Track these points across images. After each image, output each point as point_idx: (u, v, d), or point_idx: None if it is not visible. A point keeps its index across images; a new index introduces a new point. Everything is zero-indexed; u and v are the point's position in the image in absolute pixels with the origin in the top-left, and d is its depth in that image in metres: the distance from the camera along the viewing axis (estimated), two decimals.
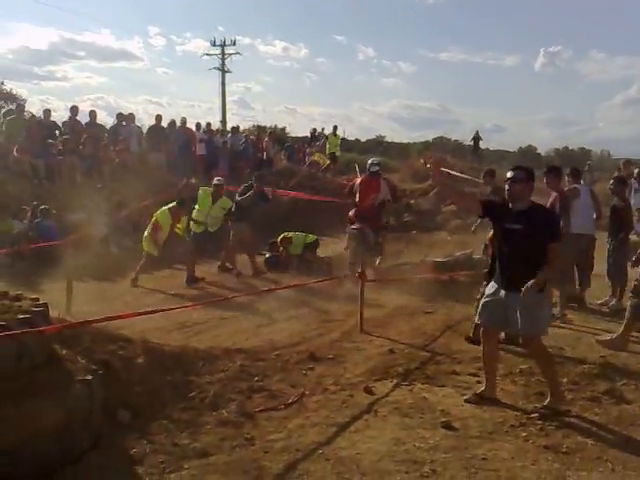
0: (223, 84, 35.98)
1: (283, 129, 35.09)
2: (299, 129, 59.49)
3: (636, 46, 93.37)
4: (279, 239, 10.18)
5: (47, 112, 13.54)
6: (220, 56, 35.73)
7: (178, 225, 8.98)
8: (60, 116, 15.18)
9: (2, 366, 3.10)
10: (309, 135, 21.62)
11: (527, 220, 4.05)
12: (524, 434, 3.79)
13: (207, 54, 36.06)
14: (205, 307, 6.92)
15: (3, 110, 18.97)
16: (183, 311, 6.31)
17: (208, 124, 16.99)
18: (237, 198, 9.50)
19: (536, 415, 4.03)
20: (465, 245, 9.55)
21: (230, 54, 35.86)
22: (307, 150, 19.86)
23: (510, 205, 4.16)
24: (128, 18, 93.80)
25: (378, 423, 3.98)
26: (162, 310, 5.04)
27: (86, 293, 7.46)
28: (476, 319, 4.65)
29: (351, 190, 9.30)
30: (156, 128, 14.94)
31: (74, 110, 13.70)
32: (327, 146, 19.10)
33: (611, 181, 7.52)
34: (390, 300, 7.70)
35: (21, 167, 11.64)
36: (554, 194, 6.63)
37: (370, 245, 8.85)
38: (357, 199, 9.06)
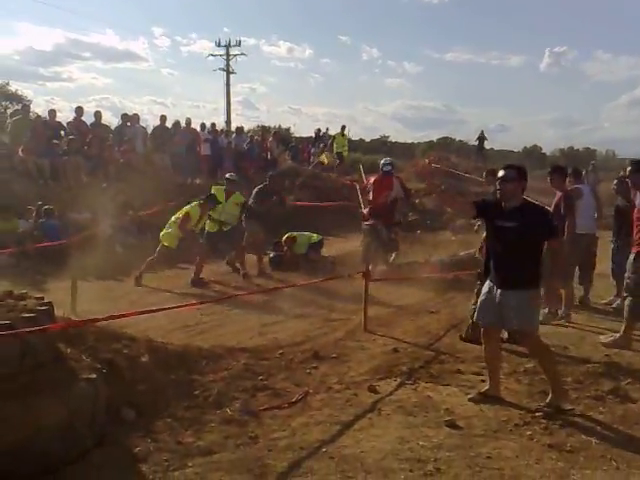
0: (228, 85, 36.07)
1: (287, 129, 35.09)
2: (303, 129, 59.54)
3: None
4: (283, 238, 10.21)
5: (52, 113, 13.58)
6: (225, 57, 35.87)
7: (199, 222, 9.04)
8: (65, 117, 15.31)
9: (6, 364, 3.12)
10: (313, 135, 21.65)
11: (520, 218, 4.07)
12: (528, 433, 3.78)
13: (212, 55, 36.19)
14: (209, 306, 6.92)
15: (9, 111, 19.10)
16: (187, 310, 6.31)
17: (213, 124, 17.06)
18: (251, 202, 9.60)
19: (540, 414, 4.03)
20: (469, 245, 9.54)
21: (235, 55, 36.01)
22: (312, 150, 19.87)
23: (503, 204, 4.18)
24: (133, 19, 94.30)
25: (382, 422, 3.98)
26: (166, 308, 5.07)
27: (91, 292, 7.46)
28: (474, 318, 4.67)
29: (367, 189, 9.94)
30: (161, 128, 15.00)
31: (79, 111, 13.72)
32: (334, 146, 19.12)
33: (615, 181, 7.51)
34: (396, 299, 7.69)
35: (26, 167, 11.67)
36: (559, 194, 6.64)
37: (383, 241, 9.36)
38: (371, 197, 9.66)
